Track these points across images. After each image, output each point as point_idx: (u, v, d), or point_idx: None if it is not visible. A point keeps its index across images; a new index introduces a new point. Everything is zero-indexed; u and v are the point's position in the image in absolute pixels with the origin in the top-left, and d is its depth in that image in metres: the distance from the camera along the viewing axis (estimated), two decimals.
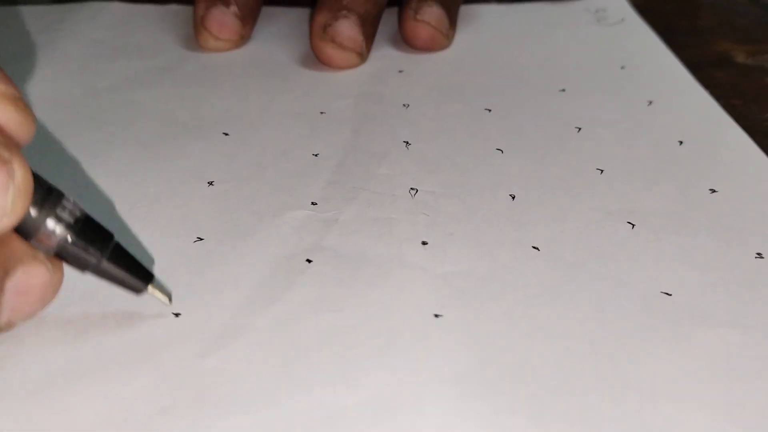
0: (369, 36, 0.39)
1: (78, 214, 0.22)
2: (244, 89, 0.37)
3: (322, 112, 0.35)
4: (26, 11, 0.44)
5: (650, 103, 0.36)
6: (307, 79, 0.38)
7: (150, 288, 0.24)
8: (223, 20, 0.40)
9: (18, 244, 0.22)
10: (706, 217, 0.29)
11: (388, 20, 0.43)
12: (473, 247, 0.27)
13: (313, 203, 0.29)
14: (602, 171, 0.32)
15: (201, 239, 0.28)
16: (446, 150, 0.33)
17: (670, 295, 0.26)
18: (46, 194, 0.22)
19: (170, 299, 0.24)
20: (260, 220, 0.28)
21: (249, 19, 0.41)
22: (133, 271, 0.23)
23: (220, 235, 0.28)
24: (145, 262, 0.24)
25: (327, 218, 0.29)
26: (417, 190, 0.30)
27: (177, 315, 0.24)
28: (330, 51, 0.39)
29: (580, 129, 0.34)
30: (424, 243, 0.28)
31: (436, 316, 0.25)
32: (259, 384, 0.22)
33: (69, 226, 0.22)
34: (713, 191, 0.31)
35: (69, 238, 0.22)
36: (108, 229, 0.23)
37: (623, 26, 0.44)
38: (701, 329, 0.24)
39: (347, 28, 0.38)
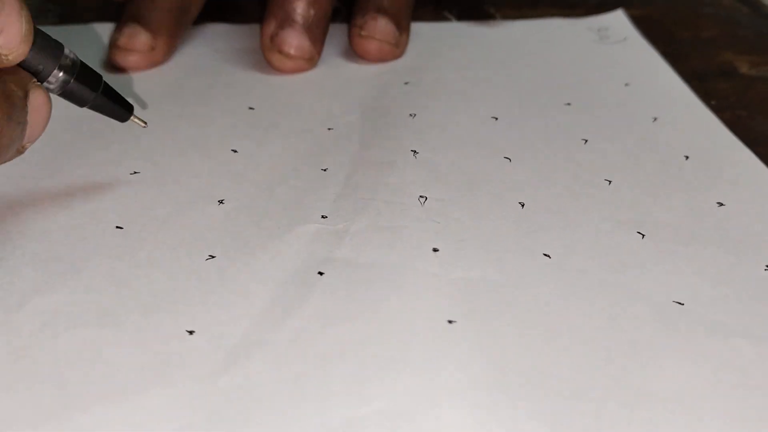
0: (317, 39, 0.40)
1: (77, 60, 0.27)
2: (250, 106, 0.37)
3: (329, 128, 0.36)
4: None
5: (655, 119, 0.37)
6: (313, 96, 0.38)
7: (132, 117, 0.30)
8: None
9: (25, 74, 0.26)
10: (714, 229, 0.29)
11: None
12: (485, 254, 0.28)
13: (323, 216, 0.30)
14: (610, 182, 0.32)
15: (213, 257, 0.28)
16: (454, 158, 0.33)
17: (683, 304, 0.26)
18: (53, 46, 0.26)
19: (146, 124, 0.31)
20: (271, 236, 0.29)
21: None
22: (119, 103, 0.29)
23: (232, 253, 0.28)
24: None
25: (337, 230, 0.29)
26: (426, 198, 0.30)
27: (191, 333, 0.24)
28: (278, 62, 0.39)
29: (586, 141, 0.35)
30: (435, 250, 0.28)
31: (450, 322, 0.25)
32: (275, 401, 0.22)
33: (71, 71, 0.27)
34: (721, 204, 0.31)
35: (72, 80, 0.27)
36: (98, 72, 0.28)
37: (626, 45, 0.44)
38: (714, 338, 0.24)
39: (292, 37, 0.39)
